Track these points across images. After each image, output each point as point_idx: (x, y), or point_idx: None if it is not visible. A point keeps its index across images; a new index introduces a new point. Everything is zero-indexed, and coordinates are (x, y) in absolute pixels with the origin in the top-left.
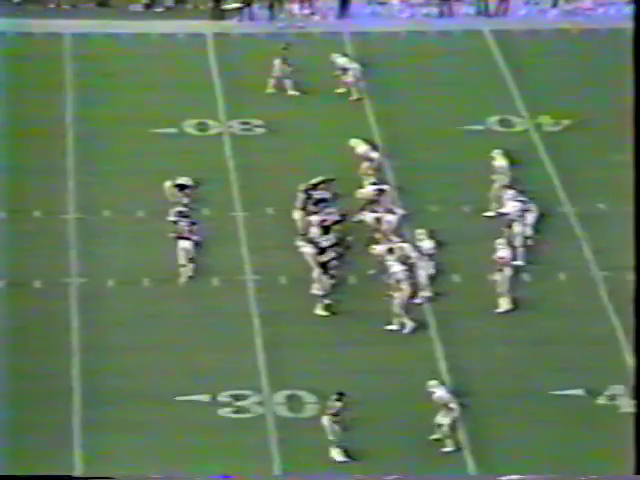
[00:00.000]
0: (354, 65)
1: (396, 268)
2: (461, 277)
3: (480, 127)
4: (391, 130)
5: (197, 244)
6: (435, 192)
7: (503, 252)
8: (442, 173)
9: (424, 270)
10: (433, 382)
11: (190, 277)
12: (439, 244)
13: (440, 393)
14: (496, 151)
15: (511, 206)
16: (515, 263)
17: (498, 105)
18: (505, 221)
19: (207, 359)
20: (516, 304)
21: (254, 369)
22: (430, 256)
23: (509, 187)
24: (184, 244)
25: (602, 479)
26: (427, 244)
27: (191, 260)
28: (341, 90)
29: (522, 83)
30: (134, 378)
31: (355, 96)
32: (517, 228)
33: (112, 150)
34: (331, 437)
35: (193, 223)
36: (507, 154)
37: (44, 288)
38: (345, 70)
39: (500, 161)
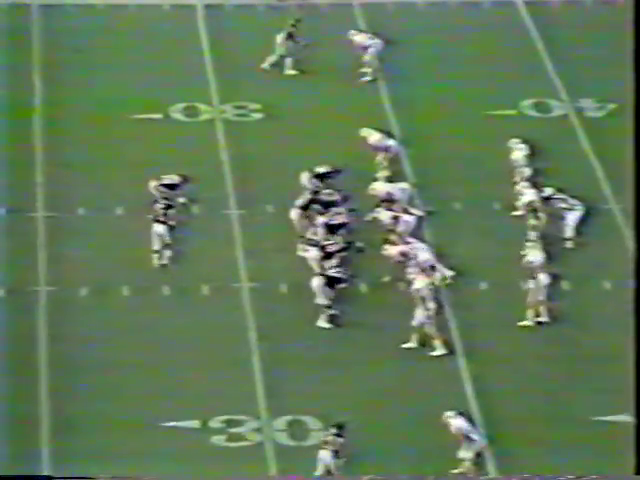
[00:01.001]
0: (375, 41)
1: (420, 284)
2: (489, 284)
3: (512, 112)
4: (409, 116)
5: (171, 228)
6: (460, 187)
7: (532, 256)
8: (468, 165)
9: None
10: (450, 412)
11: (163, 265)
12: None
13: (458, 424)
14: (512, 141)
15: (526, 200)
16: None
17: (533, 86)
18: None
19: (196, 379)
20: (553, 316)
21: (250, 391)
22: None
23: (529, 181)
24: (158, 228)
25: (602, 479)
26: None
27: (167, 246)
28: (366, 70)
29: (561, 61)
30: (112, 402)
31: (369, 77)
32: (532, 221)
33: (86, 138)
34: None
35: (169, 206)
36: (526, 143)
37: (7, 298)
38: (366, 49)
39: (516, 154)
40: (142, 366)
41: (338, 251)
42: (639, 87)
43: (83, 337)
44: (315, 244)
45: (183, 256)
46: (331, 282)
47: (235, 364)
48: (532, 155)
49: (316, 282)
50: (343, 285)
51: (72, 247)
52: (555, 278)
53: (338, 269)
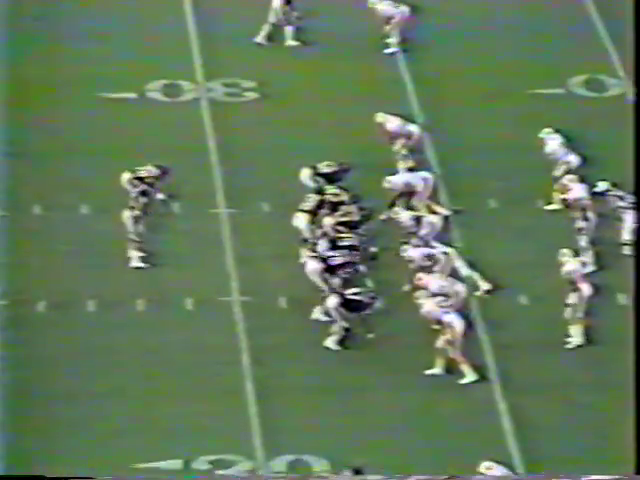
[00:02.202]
0: (402, 9)
1: (430, 307)
2: (529, 298)
3: (559, 90)
4: (434, 96)
5: (136, 220)
6: (494, 180)
7: (570, 265)
8: (505, 154)
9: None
10: (488, 463)
11: (132, 268)
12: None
13: (497, 472)
14: (545, 131)
15: (573, 197)
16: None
17: (584, 60)
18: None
19: (178, 411)
20: (601, 336)
21: (243, 425)
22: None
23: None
24: (125, 214)
25: (602, 479)
26: None
27: (139, 248)
28: (389, 42)
29: (617, 31)
30: (75, 438)
31: (393, 49)
32: (580, 223)
33: (45, 122)
34: None
35: (144, 193)
36: (560, 132)
37: None
38: (390, 19)
39: (551, 146)
40: (112, 396)
41: (341, 265)
42: None
43: (40, 361)
44: (318, 255)
45: (161, 264)
46: (349, 303)
47: (224, 393)
48: (577, 142)
49: (332, 303)
50: (368, 312)
51: (27, 253)
52: (601, 290)
53: (358, 290)
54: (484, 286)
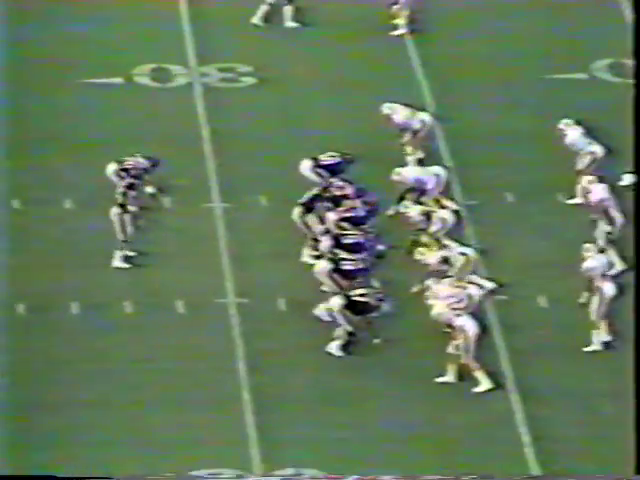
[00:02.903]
0: None
1: (441, 309)
2: (549, 299)
3: (582, 76)
4: (446, 82)
5: (123, 215)
6: (511, 172)
7: (591, 261)
8: (523, 144)
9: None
10: None
11: (119, 268)
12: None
13: None
14: (564, 122)
15: (595, 198)
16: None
17: (609, 42)
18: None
19: (168, 422)
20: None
21: (240, 438)
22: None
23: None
24: (113, 210)
25: (602, 479)
26: None
27: (125, 244)
28: (398, 22)
29: None
30: (58, 450)
31: (402, 30)
32: (603, 226)
33: (23, 109)
34: None
35: (132, 186)
36: (581, 122)
37: None
38: None
39: (571, 137)
40: (96, 405)
41: (355, 271)
42: None
43: (20, 368)
44: (324, 256)
45: (151, 263)
46: (354, 305)
47: (219, 403)
48: (601, 132)
49: (336, 303)
50: (374, 314)
51: (4, 251)
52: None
53: (364, 291)
54: (487, 285)
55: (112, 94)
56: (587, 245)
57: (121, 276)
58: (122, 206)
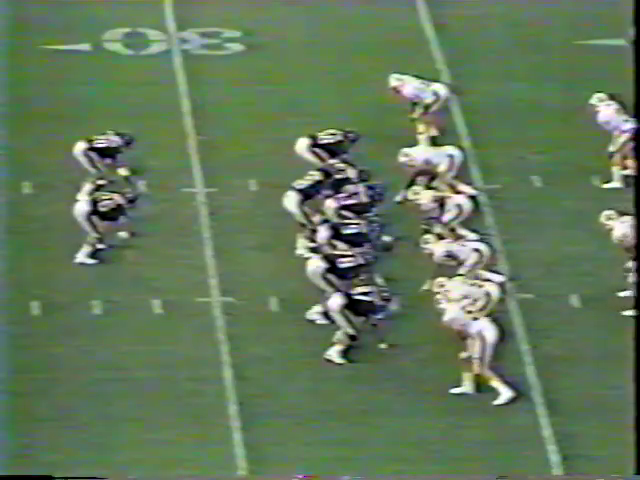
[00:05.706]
0: None
1: (453, 314)
2: (581, 299)
3: (617, 42)
4: (462, 48)
5: (93, 201)
6: (537, 153)
7: (620, 227)
8: (550, 120)
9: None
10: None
11: (84, 263)
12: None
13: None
14: (596, 97)
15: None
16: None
17: None
18: None
19: (142, 439)
20: None
21: (226, 455)
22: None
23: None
24: (80, 194)
25: (602, 479)
26: None
27: (94, 229)
28: None
29: None
30: (27, 465)
31: None
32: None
33: None
34: None
35: (101, 167)
36: (615, 96)
37: None
38: None
39: (605, 114)
40: (57, 420)
41: (352, 269)
42: None
43: None
44: (316, 252)
45: (123, 256)
46: (356, 305)
47: (203, 417)
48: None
49: (335, 303)
50: (379, 316)
51: None
52: None
53: (367, 289)
54: (496, 278)
55: (79, 62)
56: (608, 212)
57: (88, 272)
58: (91, 191)
